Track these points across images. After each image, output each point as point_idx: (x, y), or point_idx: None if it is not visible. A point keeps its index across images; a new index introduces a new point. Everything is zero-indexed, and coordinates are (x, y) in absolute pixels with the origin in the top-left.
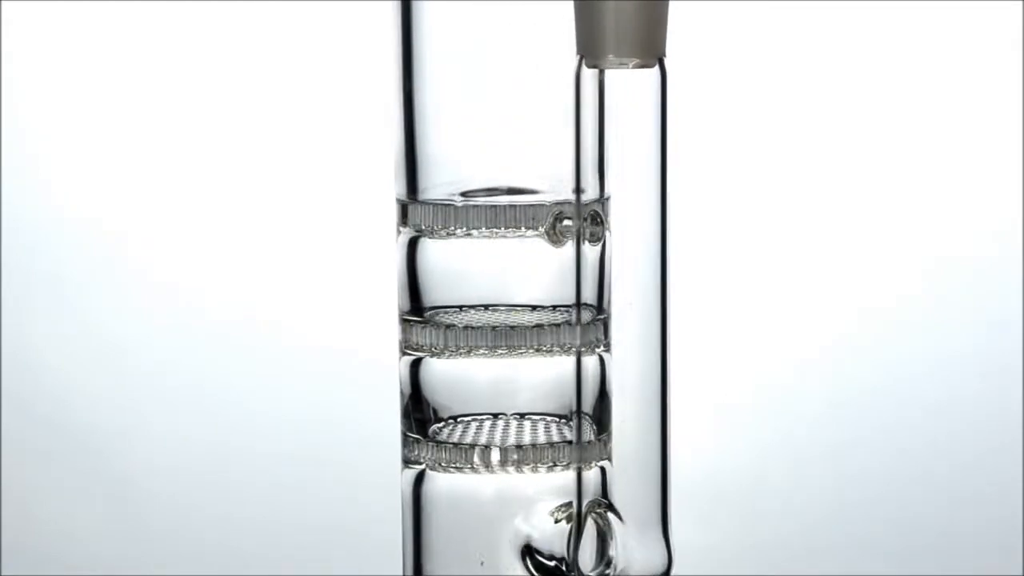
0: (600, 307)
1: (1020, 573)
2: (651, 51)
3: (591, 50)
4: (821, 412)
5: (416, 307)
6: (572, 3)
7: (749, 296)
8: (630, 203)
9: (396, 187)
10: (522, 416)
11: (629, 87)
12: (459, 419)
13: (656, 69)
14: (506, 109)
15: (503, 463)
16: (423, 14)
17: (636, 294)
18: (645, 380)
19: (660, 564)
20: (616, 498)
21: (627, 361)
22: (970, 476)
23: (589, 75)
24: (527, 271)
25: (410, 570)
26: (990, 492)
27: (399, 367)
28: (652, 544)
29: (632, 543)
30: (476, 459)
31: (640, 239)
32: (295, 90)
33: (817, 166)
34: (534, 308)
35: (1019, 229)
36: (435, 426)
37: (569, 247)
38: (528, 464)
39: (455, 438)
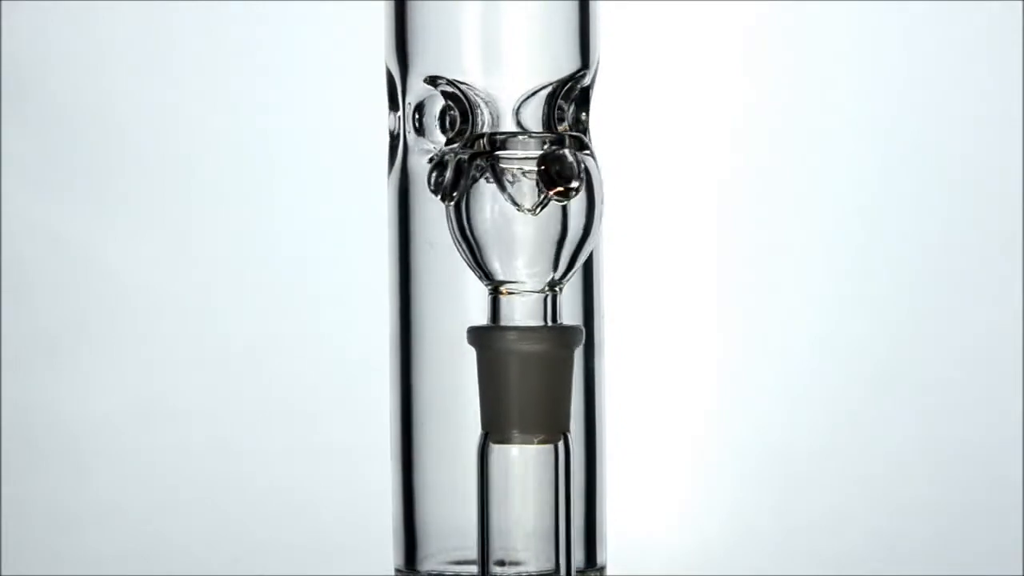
0: None
1: (1020, 574)
2: (556, 427)
3: (496, 426)
4: (818, 413)
5: None
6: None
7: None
8: None
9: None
10: None
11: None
12: None
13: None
14: None
15: None
16: None
17: None
18: None
19: None
20: None
21: None
22: (970, 476)
23: (495, 450)
24: None
25: None
26: (991, 493)
27: None
28: None
29: None
30: None
31: None
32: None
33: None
34: None
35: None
36: None
37: None
38: None
39: None
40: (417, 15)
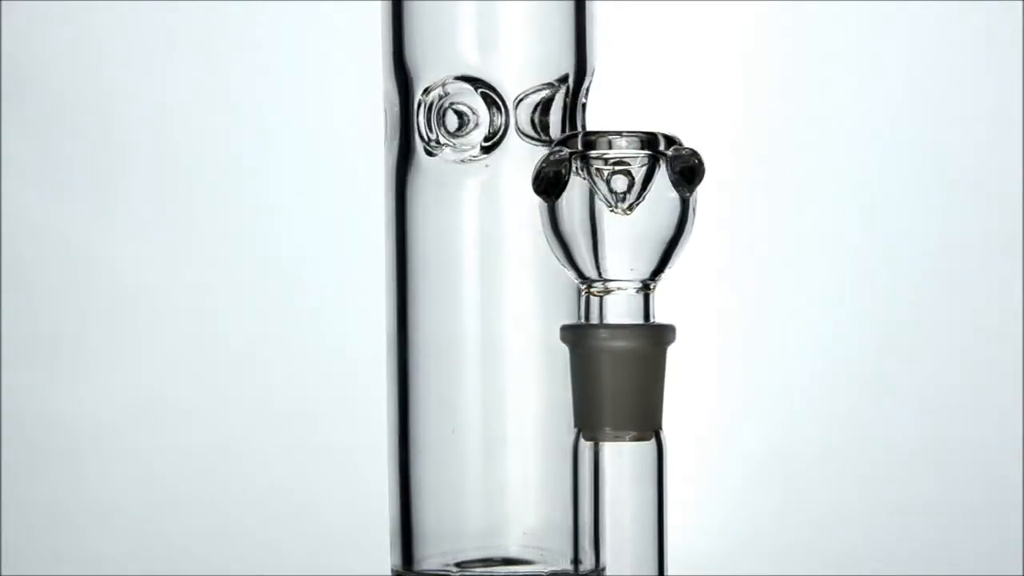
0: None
1: (1020, 574)
2: (648, 424)
3: (588, 423)
4: (819, 413)
5: None
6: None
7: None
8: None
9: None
10: None
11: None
12: None
13: (652, 442)
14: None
15: None
16: None
17: None
18: None
19: None
20: None
21: None
22: (970, 476)
23: (586, 447)
24: None
25: None
26: (991, 493)
27: None
28: None
29: None
30: None
31: None
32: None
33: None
34: None
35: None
36: None
37: None
38: None
39: None
40: (418, 14)
